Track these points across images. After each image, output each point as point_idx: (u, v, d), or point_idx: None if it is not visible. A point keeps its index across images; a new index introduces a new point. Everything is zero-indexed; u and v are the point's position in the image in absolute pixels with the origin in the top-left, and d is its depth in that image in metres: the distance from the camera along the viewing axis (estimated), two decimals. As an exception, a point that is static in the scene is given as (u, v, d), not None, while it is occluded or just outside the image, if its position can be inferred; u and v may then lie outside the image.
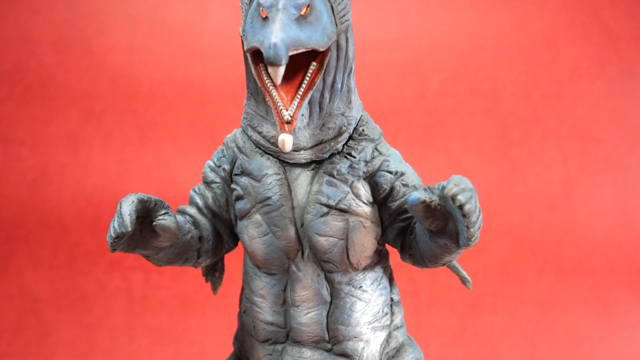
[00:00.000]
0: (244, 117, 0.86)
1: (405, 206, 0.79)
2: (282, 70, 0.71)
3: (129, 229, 0.73)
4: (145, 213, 0.79)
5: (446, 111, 1.69)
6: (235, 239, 0.93)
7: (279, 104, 0.75)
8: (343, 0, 0.80)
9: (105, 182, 1.68)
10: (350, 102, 0.83)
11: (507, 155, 1.69)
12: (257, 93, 0.83)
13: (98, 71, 1.69)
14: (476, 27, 1.70)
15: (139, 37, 1.70)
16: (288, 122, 0.75)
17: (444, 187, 0.69)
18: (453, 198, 0.67)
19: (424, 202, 0.71)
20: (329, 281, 0.85)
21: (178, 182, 1.67)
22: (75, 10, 1.70)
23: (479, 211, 0.71)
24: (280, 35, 0.70)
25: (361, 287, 0.86)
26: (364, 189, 0.83)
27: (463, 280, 0.95)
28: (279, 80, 0.72)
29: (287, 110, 0.75)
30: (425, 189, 0.73)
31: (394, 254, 0.88)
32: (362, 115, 0.86)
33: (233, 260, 1.03)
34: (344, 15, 0.80)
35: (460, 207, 0.68)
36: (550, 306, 1.63)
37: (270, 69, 0.71)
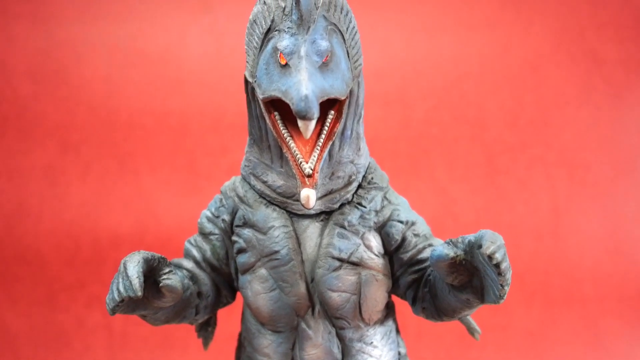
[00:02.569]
0: (245, 165, 0.88)
1: (429, 262, 0.82)
2: (313, 124, 0.74)
3: (139, 293, 0.74)
4: (149, 272, 0.80)
5: (431, 139, 1.80)
6: (234, 292, 0.94)
7: (298, 156, 0.77)
8: (357, 43, 0.83)
9: (83, 214, 1.78)
10: (359, 149, 0.85)
11: (493, 183, 1.80)
12: (260, 140, 0.85)
13: (75, 101, 1.80)
14: (460, 53, 1.81)
15: (117, 66, 1.80)
16: (309, 176, 0.77)
17: (471, 244, 0.73)
18: (490, 256, 0.70)
19: (452, 258, 0.74)
20: (340, 338, 0.87)
21: (158, 214, 1.77)
22: (52, 39, 1.81)
23: (510, 267, 0.73)
24: (310, 87, 0.72)
25: (372, 342, 0.89)
26: (375, 240, 0.86)
27: (471, 331, 0.99)
28: (309, 134, 0.74)
29: (307, 163, 0.77)
30: (448, 243, 0.76)
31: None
32: (370, 163, 0.89)
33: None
34: (358, 60, 0.83)
35: (497, 265, 0.70)
36: (540, 336, 1.74)
37: (300, 123, 0.73)
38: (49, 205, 1.80)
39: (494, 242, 0.71)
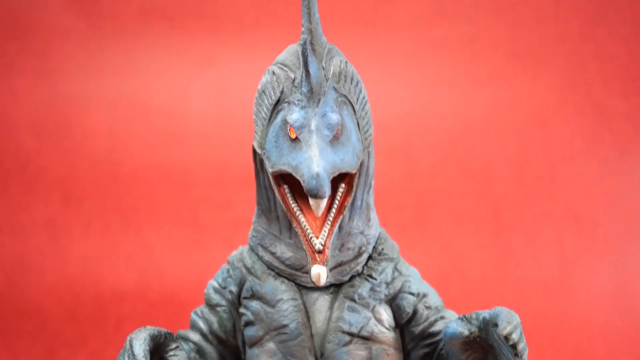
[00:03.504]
0: (252, 235, 0.88)
1: (442, 338, 0.82)
2: (324, 202, 0.75)
3: None
4: (155, 349, 0.81)
5: (437, 193, 1.84)
6: None
7: (308, 231, 0.78)
8: (367, 114, 0.85)
9: (85, 269, 1.82)
10: (370, 219, 0.87)
11: (500, 238, 1.83)
12: (269, 211, 0.86)
13: (78, 155, 1.85)
14: (466, 106, 1.86)
15: (120, 120, 1.86)
16: (320, 252, 0.77)
17: (486, 321, 0.75)
18: (507, 337, 0.72)
19: (467, 336, 0.76)
20: None
21: (161, 269, 1.81)
22: (55, 93, 1.86)
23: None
24: (322, 164, 0.73)
25: None
26: (386, 313, 0.87)
27: None
28: (320, 212, 0.75)
29: (317, 238, 0.77)
30: (461, 319, 0.78)
31: None
32: (380, 233, 0.90)
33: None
34: (368, 130, 0.84)
35: (513, 346, 0.73)
36: (549, 394, 1.77)
37: (312, 201, 0.75)
38: (51, 259, 1.84)
39: (510, 322, 0.73)
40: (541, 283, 1.83)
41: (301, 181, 0.74)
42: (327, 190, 0.73)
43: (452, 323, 0.77)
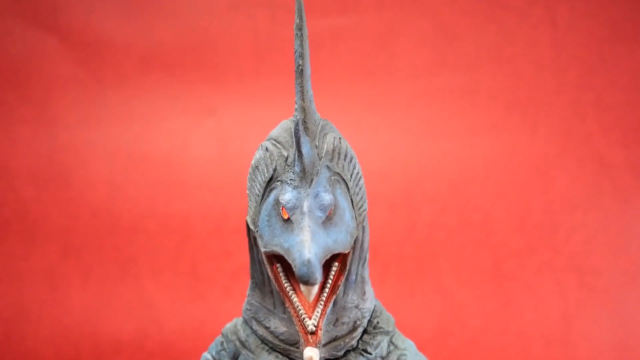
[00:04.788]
0: (246, 309, 0.90)
1: None
2: (316, 288, 0.76)
3: None
4: None
5: (437, 243, 1.89)
6: None
7: (300, 311, 0.79)
8: (361, 189, 0.87)
9: (84, 319, 1.87)
10: (365, 293, 0.88)
11: (501, 289, 1.88)
12: (263, 284, 0.87)
13: (77, 205, 1.91)
14: (466, 157, 1.92)
15: (120, 169, 1.92)
16: (312, 333, 0.78)
17: None
18: None
19: None
20: None
21: (160, 320, 1.87)
22: (55, 142, 1.93)
23: None
24: (313, 250, 0.74)
25: None
26: None
27: None
28: (311, 298, 0.77)
29: (310, 319, 0.78)
30: None
31: None
32: (375, 306, 0.91)
33: None
34: (362, 206, 0.86)
35: None
36: None
37: (303, 288, 0.76)
38: (49, 309, 1.89)
39: None
40: (542, 334, 1.87)
41: (292, 266, 0.75)
42: (318, 277, 0.73)
43: None
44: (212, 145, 1.91)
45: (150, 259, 1.91)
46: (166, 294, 1.89)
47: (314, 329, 0.77)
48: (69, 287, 1.91)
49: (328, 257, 0.78)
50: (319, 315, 0.79)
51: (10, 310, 1.90)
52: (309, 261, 0.72)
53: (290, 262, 0.76)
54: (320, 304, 0.79)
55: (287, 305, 0.81)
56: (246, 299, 0.91)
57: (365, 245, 0.87)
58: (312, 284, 0.74)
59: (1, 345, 1.89)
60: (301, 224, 0.76)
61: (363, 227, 0.86)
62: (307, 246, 0.74)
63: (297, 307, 0.79)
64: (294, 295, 0.80)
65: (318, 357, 0.77)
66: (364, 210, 0.86)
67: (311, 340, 0.77)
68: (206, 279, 1.86)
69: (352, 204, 0.84)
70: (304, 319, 0.78)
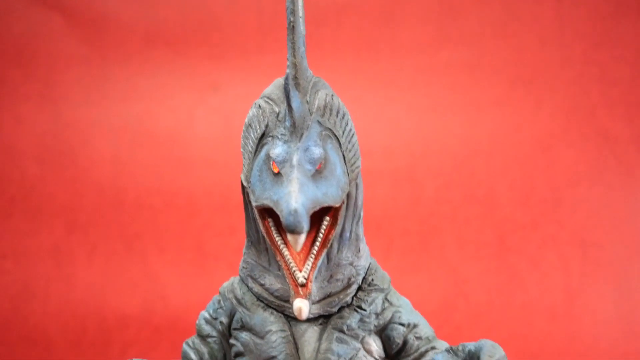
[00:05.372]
0: (242, 267, 0.91)
1: None
2: (303, 237, 0.76)
3: None
4: None
5: (441, 218, 1.92)
6: None
7: (291, 264, 0.80)
8: (354, 146, 0.87)
9: (90, 295, 1.91)
10: (359, 250, 0.89)
11: (505, 263, 1.91)
12: (258, 242, 0.88)
13: (83, 182, 1.94)
14: (470, 132, 1.94)
15: (125, 147, 1.95)
16: (303, 285, 0.79)
17: (472, 354, 0.78)
18: None
19: None
20: None
21: (166, 295, 1.90)
22: (59, 121, 1.96)
23: None
24: (300, 200, 0.75)
25: None
26: (375, 344, 0.89)
27: None
28: (299, 247, 0.77)
29: (300, 272, 0.80)
30: (448, 352, 0.81)
31: None
32: (370, 263, 0.91)
33: None
34: (355, 162, 0.86)
35: None
36: (555, 420, 1.85)
37: (290, 237, 0.76)
38: (56, 286, 1.92)
39: (492, 356, 0.76)
40: (546, 307, 1.90)
41: (280, 217, 0.76)
42: (304, 226, 0.74)
43: (437, 356, 0.81)
44: (216, 121, 1.94)
45: (155, 235, 1.94)
46: (171, 269, 1.92)
47: (305, 281, 0.79)
48: (74, 263, 1.94)
49: (317, 208, 0.79)
50: (309, 268, 0.80)
51: (17, 286, 1.93)
52: (295, 210, 0.74)
53: (278, 213, 0.77)
54: (311, 258, 0.81)
55: (278, 259, 0.82)
56: (242, 257, 0.92)
57: (360, 202, 0.88)
58: (299, 233, 0.75)
59: (8, 321, 1.92)
60: (290, 176, 0.78)
61: (357, 185, 0.87)
62: (294, 197, 0.75)
63: (288, 260, 0.80)
64: (285, 249, 0.81)
65: (307, 309, 0.79)
66: (357, 167, 0.87)
67: (301, 292, 0.79)
68: (211, 255, 1.89)
69: (345, 160, 0.85)
70: (294, 271, 0.80)
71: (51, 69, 1.99)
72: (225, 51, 1.96)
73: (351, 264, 0.88)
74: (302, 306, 0.79)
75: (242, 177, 0.87)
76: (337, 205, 0.82)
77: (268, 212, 0.81)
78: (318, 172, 0.80)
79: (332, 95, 0.86)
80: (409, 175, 1.94)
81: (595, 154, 1.93)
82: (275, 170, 0.80)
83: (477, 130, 1.95)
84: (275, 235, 0.82)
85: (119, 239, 1.94)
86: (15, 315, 1.92)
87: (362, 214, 0.90)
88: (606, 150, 1.93)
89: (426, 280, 1.88)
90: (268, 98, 0.86)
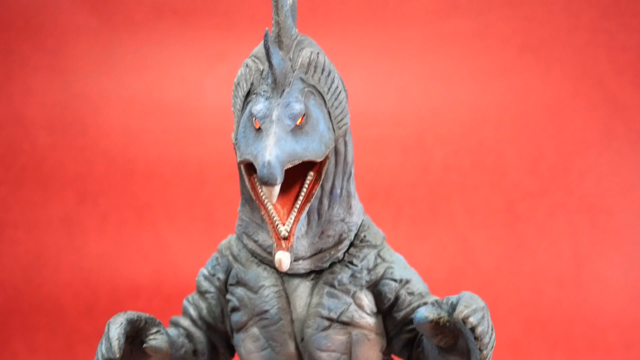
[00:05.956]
0: (238, 224, 0.95)
1: (413, 323, 0.84)
2: (277, 189, 0.78)
3: (117, 355, 0.82)
4: (136, 332, 0.88)
5: (450, 186, 1.94)
6: (231, 350, 1.01)
7: (274, 218, 0.81)
8: (340, 104, 0.88)
9: (101, 265, 1.94)
10: (351, 207, 0.91)
11: (514, 230, 1.93)
12: (251, 200, 0.90)
13: (93, 152, 1.97)
14: (478, 99, 1.96)
15: (134, 117, 1.98)
16: (285, 238, 0.80)
17: (453, 306, 0.78)
18: (464, 321, 0.75)
19: (432, 320, 0.79)
20: None
21: (176, 264, 1.93)
22: (69, 91, 1.99)
23: (492, 330, 0.78)
24: (274, 152, 0.76)
25: None
26: (367, 299, 0.91)
27: None
28: (274, 199, 0.78)
29: (283, 225, 0.81)
30: (433, 304, 0.81)
31: None
32: (363, 220, 0.94)
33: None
34: (342, 119, 0.88)
35: (472, 329, 0.75)
36: (563, 386, 1.88)
37: (264, 188, 0.78)
38: (67, 255, 1.96)
39: (468, 306, 0.76)
40: (555, 274, 1.92)
41: (256, 169, 0.78)
42: (277, 177, 0.76)
43: (421, 308, 0.81)
44: (225, 91, 1.95)
45: (165, 205, 1.97)
46: (182, 238, 1.95)
47: (287, 234, 0.80)
48: (86, 233, 1.97)
49: (297, 162, 0.80)
50: (292, 221, 0.81)
51: (29, 256, 1.97)
52: (269, 163, 0.75)
53: (256, 166, 0.78)
54: (294, 212, 0.82)
55: (262, 213, 0.83)
56: (238, 215, 0.95)
57: (349, 159, 0.90)
58: (272, 185, 0.76)
59: (20, 291, 1.95)
60: (269, 131, 0.79)
61: (345, 142, 0.89)
62: (268, 150, 0.76)
63: (272, 214, 0.81)
64: (269, 204, 0.81)
65: (288, 261, 0.79)
66: (344, 124, 0.88)
67: (283, 245, 0.80)
68: (221, 224, 1.91)
69: (331, 117, 0.86)
70: (277, 225, 0.81)
71: (60, 39, 2.01)
72: (234, 20, 1.98)
73: (343, 220, 0.90)
74: (282, 258, 0.79)
75: (233, 135, 0.89)
76: (319, 159, 0.83)
77: (253, 168, 0.82)
78: (298, 127, 0.81)
79: (318, 52, 0.88)
80: (417, 143, 1.96)
81: (604, 120, 1.95)
82: (257, 126, 0.81)
83: (486, 97, 1.97)
84: (260, 191, 0.83)
85: (130, 208, 1.97)
86: (28, 285, 1.95)
87: (352, 170, 0.92)
88: (615, 117, 1.94)
89: (435, 247, 1.90)
90: (255, 57, 0.88)
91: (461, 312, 0.75)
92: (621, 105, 1.94)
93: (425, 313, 0.79)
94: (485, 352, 0.76)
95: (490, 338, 0.77)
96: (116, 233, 1.96)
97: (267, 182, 0.76)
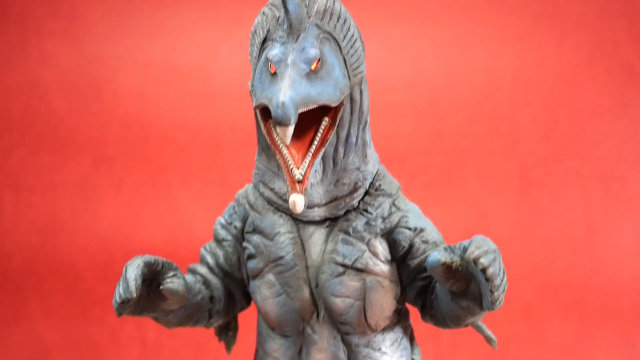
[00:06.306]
0: (255, 173, 0.95)
1: (426, 267, 0.83)
2: (290, 130, 0.79)
3: (134, 295, 0.82)
4: (153, 275, 0.88)
5: (464, 152, 1.95)
6: (248, 298, 1.02)
7: (289, 162, 0.82)
8: (356, 52, 0.88)
9: (116, 228, 1.97)
10: (366, 156, 0.91)
11: (527, 197, 1.95)
12: (268, 148, 0.91)
13: (108, 117, 1.99)
14: (493, 66, 1.97)
15: (150, 81, 1.99)
16: (299, 182, 0.81)
17: (465, 249, 0.77)
18: (475, 261, 0.75)
19: (444, 264, 0.79)
20: (346, 344, 0.93)
21: (191, 228, 1.95)
22: (85, 55, 2.00)
23: (504, 273, 0.77)
24: (289, 94, 0.78)
25: (380, 348, 0.94)
26: (381, 247, 0.91)
27: (488, 340, 1.04)
28: (288, 140, 0.79)
29: (298, 169, 0.82)
30: (445, 249, 0.81)
31: (414, 311, 0.99)
32: (378, 169, 0.94)
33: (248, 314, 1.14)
34: (358, 67, 0.88)
35: (483, 270, 0.75)
36: (575, 351, 1.89)
37: (278, 129, 0.79)
38: (83, 219, 1.98)
39: (479, 247, 0.75)
40: (568, 240, 1.94)
41: (271, 110, 0.79)
42: (291, 117, 0.77)
43: (434, 252, 0.81)
44: (241, 55, 1.96)
45: (180, 169, 1.98)
46: (196, 202, 1.96)
47: (301, 177, 0.81)
48: (101, 196, 1.99)
49: (311, 106, 0.81)
50: (306, 165, 0.82)
51: (45, 219, 1.99)
52: (283, 103, 0.76)
53: (270, 109, 0.79)
54: (309, 156, 0.83)
55: (277, 158, 0.84)
56: (255, 164, 0.96)
57: (365, 108, 0.91)
58: (285, 125, 0.78)
59: (36, 254, 1.98)
60: (284, 74, 0.80)
61: (361, 90, 0.90)
62: (283, 91, 0.78)
63: (287, 158, 0.83)
64: (284, 149, 0.83)
65: (302, 203, 0.81)
66: (360, 72, 0.89)
67: (297, 188, 0.81)
68: (236, 188, 1.90)
69: (346, 64, 0.87)
70: (292, 169, 0.82)
71: (76, 4, 2.02)
72: (249, -15, 1.99)
73: (358, 168, 0.91)
74: (296, 200, 0.81)
75: (249, 83, 0.90)
76: (334, 104, 0.84)
77: (269, 114, 0.83)
78: (313, 72, 0.82)
79: (334, 0, 0.88)
80: (432, 110, 1.97)
81: (619, 88, 1.95)
82: (272, 71, 0.82)
83: (501, 64, 1.98)
84: (275, 136, 0.84)
85: (145, 172, 1.98)
86: (43, 248, 1.98)
87: (368, 119, 0.93)
88: (630, 84, 1.95)
89: (448, 213, 1.91)
90: (272, 4, 0.88)
91: (472, 252, 0.75)
92: (636, 73, 1.95)
93: (438, 256, 0.79)
94: (496, 294, 0.76)
95: (502, 281, 0.77)
96: (131, 197, 1.98)
97: (281, 122, 0.77)
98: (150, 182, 1.99)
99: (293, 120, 0.78)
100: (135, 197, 1.99)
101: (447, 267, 0.79)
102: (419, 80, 1.98)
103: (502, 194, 1.95)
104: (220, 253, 0.99)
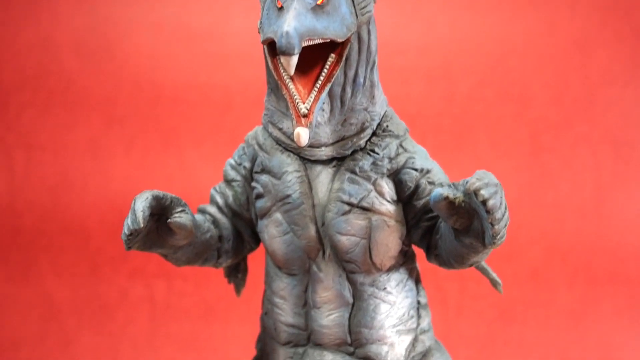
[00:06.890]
0: (264, 114, 0.97)
1: (430, 203, 0.84)
2: (294, 59, 0.79)
3: (142, 225, 0.83)
4: (161, 210, 0.88)
5: (475, 116, 1.97)
6: (256, 238, 1.03)
7: (295, 96, 0.84)
8: None
9: (127, 188, 1.98)
10: (374, 97, 0.92)
11: (537, 161, 1.97)
12: (277, 88, 0.92)
13: (120, 77, 2.01)
14: (505, 30, 1.99)
15: (161, 42, 2.01)
16: (304, 116, 0.82)
17: (467, 182, 0.78)
18: (476, 193, 0.75)
19: (446, 198, 0.79)
20: (351, 282, 0.95)
21: (201, 188, 1.94)
22: (97, 15, 2.02)
23: (505, 207, 0.77)
24: (293, 24, 0.78)
25: (385, 288, 0.96)
26: (387, 187, 0.92)
27: (494, 283, 1.06)
28: (292, 70, 0.80)
29: (304, 104, 0.83)
30: (449, 185, 0.82)
31: (421, 256, 1.00)
32: (386, 111, 0.95)
33: (257, 266, 1.15)
34: (365, 7, 0.88)
35: (484, 202, 0.75)
36: (583, 315, 1.91)
37: (282, 59, 0.80)
38: (93, 178, 2.00)
39: (480, 179, 0.76)
40: (577, 205, 1.96)
41: (276, 42, 0.79)
42: (295, 47, 0.78)
43: (438, 188, 0.81)
44: (252, 17, 1.97)
45: (191, 129, 2.00)
46: (207, 163, 1.98)
47: (306, 111, 0.82)
48: (112, 156, 2.01)
49: (316, 40, 0.82)
50: (312, 100, 0.83)
51: (56, 178, 2.01)
52: (287, 33, 0.77)
53: (275, 40, 0.80)
54: (314, 91, 0.84)
55: (283, 92, 0.85)
56: (265, 105, 0.97)
57: (373, 48, 0.91)
58: (289, 54, 0.78)
59: (47, 213, 2.00)
60: (289, 7, 0.81)
61: (369, 30, 0.90)
62: (287, 22, 0.79)
63: (293, 93, 0.84)
64: (290, 84, 0.84)
65: (307, 136, 0.82)
66: (368, 12, 0.88)
67: (303, 122, 0.82)
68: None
69: (353, 2, 0.87)
70: (297, 103, 0.83)
71: (88, -35, 2.03)
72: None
73: (365, 109, 0.92)
74: (301, 132, 0.82)
75: (258, 23, 0.89)
76: (340, 40, 0.85)
77: (276, 50, 0.82)
78: (320, 7, 0.82)
79: None
80: (443, 73, 1.99)
81: (630, 53, 1.97)
82: (279, 5, 0.83)
83: (512, 28, 1.99)
84: (282, 71, 0.85)
85: (156, 132, 2.00)
86: (54, 207, 2.00)
87: (376, 60, 0.93)
88: (641, 50, 1.96)
89: (459, 177, 1.90)
90: None
91: (473, 184, 0.76)
92: (648, 38, 1.97)
93: (441, 191, 0.80)
94: (497, 227, 0.76)
95: (504, 215, 0.77)
96: (142, 157, 2.00)
97: (285, 52, 0.78)
98: (161, 142, 2.00)
99: (297, 50, 0.78)
100: (146, 157, 2.00)
101: (450, 203, 0.80)
102: (431, 43, 1.99)
103: (512, 158, 1.97)
104: (229, 193, 1.01)
